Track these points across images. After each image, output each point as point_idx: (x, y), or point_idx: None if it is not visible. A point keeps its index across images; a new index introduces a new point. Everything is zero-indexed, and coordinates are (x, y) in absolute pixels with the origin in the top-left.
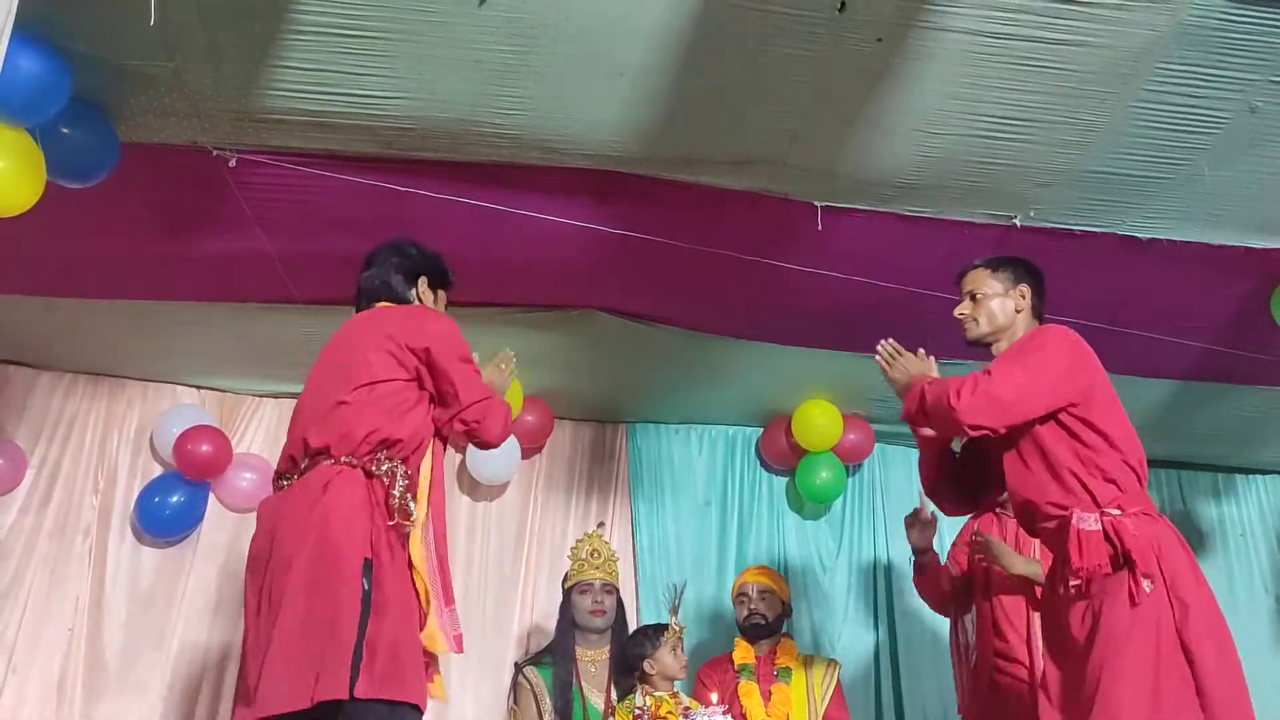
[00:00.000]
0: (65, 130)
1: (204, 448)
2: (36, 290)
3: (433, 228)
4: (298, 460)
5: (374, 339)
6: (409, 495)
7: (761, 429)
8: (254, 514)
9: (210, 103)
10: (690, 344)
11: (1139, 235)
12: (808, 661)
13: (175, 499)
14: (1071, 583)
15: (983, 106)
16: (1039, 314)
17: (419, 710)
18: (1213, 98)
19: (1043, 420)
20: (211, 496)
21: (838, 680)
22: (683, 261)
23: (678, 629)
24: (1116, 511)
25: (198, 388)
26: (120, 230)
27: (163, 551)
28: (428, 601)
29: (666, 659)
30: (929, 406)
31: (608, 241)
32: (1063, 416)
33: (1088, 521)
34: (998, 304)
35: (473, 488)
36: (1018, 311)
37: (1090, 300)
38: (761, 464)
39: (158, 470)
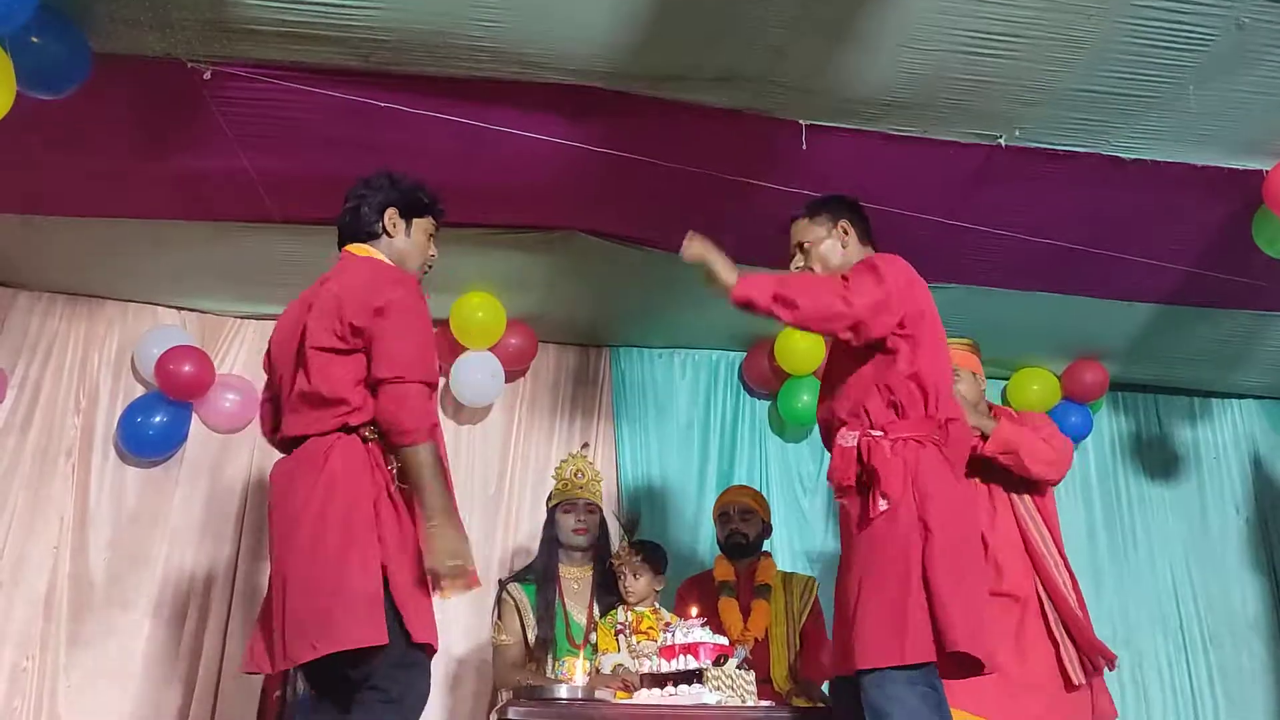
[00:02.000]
0: (35, 40)
1: (186, 368)
2: (10, 207)
3: (413, 147)
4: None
5: (328, 309)
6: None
7: (744, 353)
8: (238, 435)
9: (179, 11)
10: (673, 266)
11: (1123, 155)
12: (787, 579)
13: (158, 419)
14: (836, 496)
15: (969, 21)
16: (868, 239)
17: (431, 651)
18: (1200, 14)
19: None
20: (195, 417)
21: (815, 596)
22: (665, 181)
23: (624, 555)
24: (879, 433)
25: (178, 309)
26: (96, 146)
27: (147, 472)
28: None
29: (629, 585)
30: (810, 311)
31: (589, 160)
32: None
33: (848, 439)
34: (826, 247)
35: (456, 410)
36: (844, 247)
37: (1074, 222)
38: (744, 388)
39: (139, 391)
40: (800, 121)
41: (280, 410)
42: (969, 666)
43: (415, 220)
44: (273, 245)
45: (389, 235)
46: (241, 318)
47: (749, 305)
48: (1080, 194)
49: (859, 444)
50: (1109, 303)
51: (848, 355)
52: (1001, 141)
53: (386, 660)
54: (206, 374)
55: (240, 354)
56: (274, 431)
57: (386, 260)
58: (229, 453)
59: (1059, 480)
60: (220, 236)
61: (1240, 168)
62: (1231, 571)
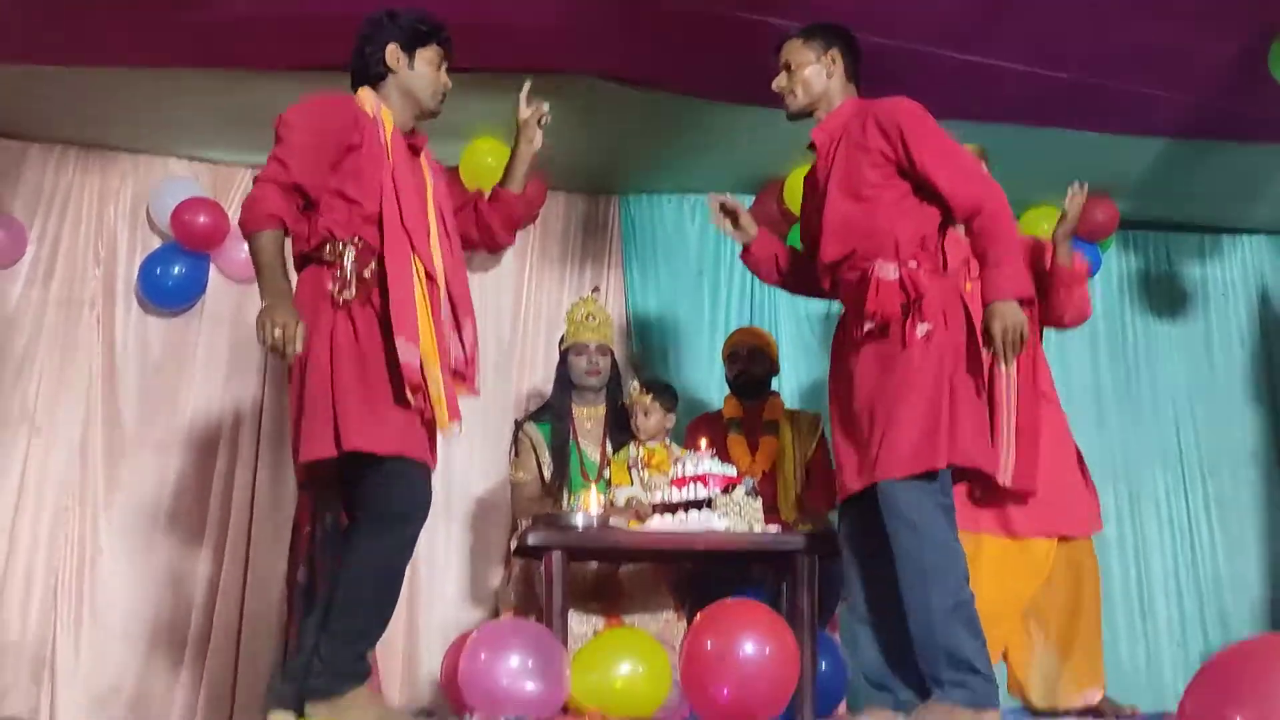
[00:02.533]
0: None
1: (201, 219)
2: (17, 57)
3: None
4: None
5: None
6: (360, 267)
7: (753, 196)
8: (255, 284)
9: None
10: (682, 109)
11: None
12: (794, 416)
13: (176, 270)
14: (866, 327)
15: None
16: (853, 76)
17: (413, 462)
18: None
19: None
20: (212, 268)
21: (821, 432)
22: (674, 22)
23: (636, 394)
24: (914, 264)
25: (190, 159)
26: None
27: (169, 321)
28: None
29: (640, 423)
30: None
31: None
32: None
33: (888, 271)
34: (811, 71)
35: (468, 259)
36: (829, 77)
37: (1086, 55)
38: None
39: (156, 242)
40: None
41: None
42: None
43: (419, 51)
44: (284, 93)
45: (393, 72)
46: (253, 167)
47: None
48: (1089, 24)
49: (901, 275)
50: (1121, 138)
51: (869, 194)
52: None
53: (368, 474)
54: (222, 225)
55: None
56: None
57: (390, 100)
58: (248, 302)
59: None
60: (231, 85)
61: None
62: (1233, 405)
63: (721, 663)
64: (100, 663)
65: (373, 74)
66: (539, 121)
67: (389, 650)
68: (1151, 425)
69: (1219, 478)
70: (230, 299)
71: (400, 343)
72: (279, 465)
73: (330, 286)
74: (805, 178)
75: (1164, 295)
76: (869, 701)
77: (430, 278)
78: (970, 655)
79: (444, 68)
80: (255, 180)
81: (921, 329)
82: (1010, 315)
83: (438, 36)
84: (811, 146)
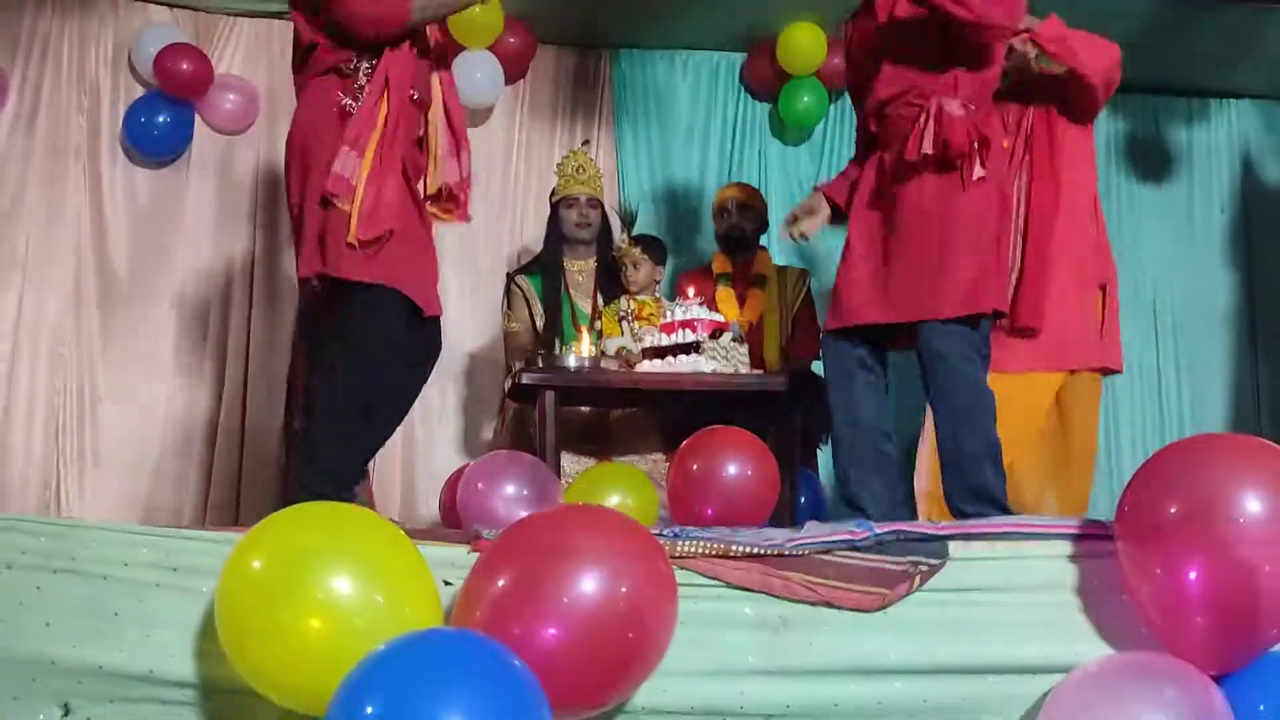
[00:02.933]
0: None
1: (184, 65)
2: None
3: None
4: None
5: None
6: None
7: (745, 54)
8: (243, 135)
9: None
10: None
11: None
12: (781, 271)
13: (161, 119)
14: (925, 150)
15: None
16: None
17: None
18: None
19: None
20: (198, 118)
21: (808, 287)
22: None
23: (625, 247)
24: (974, 108)
25: (170, 5)
26: None
27: (156, 172)
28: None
29: (630, 275)
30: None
31: None
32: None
33: (954, 106)
34: None
35: None
36: None
37: None
38: (745, 90)
39: (140, 91)
40: None
41: None
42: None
43: None
44: None
45: None
46: (235, 14)
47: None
48: None
49: (968, 114)
50: None
51: (924, 35)
52: None
53: (344, 298)
54: (205, 72)
55: (238, 53)
56: None
57: None
58: (235, 152)
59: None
60: None
61: None
62: (1212, 267)
63: (707, 483)
64: (105, 499)
65: None
66: None
67: (388, 496)
68: (1130, 284)
69: (1190, 337)
70: (216, 150)
71: (343, 151)
72: (273, 317)
73: (344, 101)
74: (854, 24)
75: (1150, 159)
76: None
77: (421, 105)
78: (995, 491)
79: None
80: None
81: (979, 172)
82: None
83: None
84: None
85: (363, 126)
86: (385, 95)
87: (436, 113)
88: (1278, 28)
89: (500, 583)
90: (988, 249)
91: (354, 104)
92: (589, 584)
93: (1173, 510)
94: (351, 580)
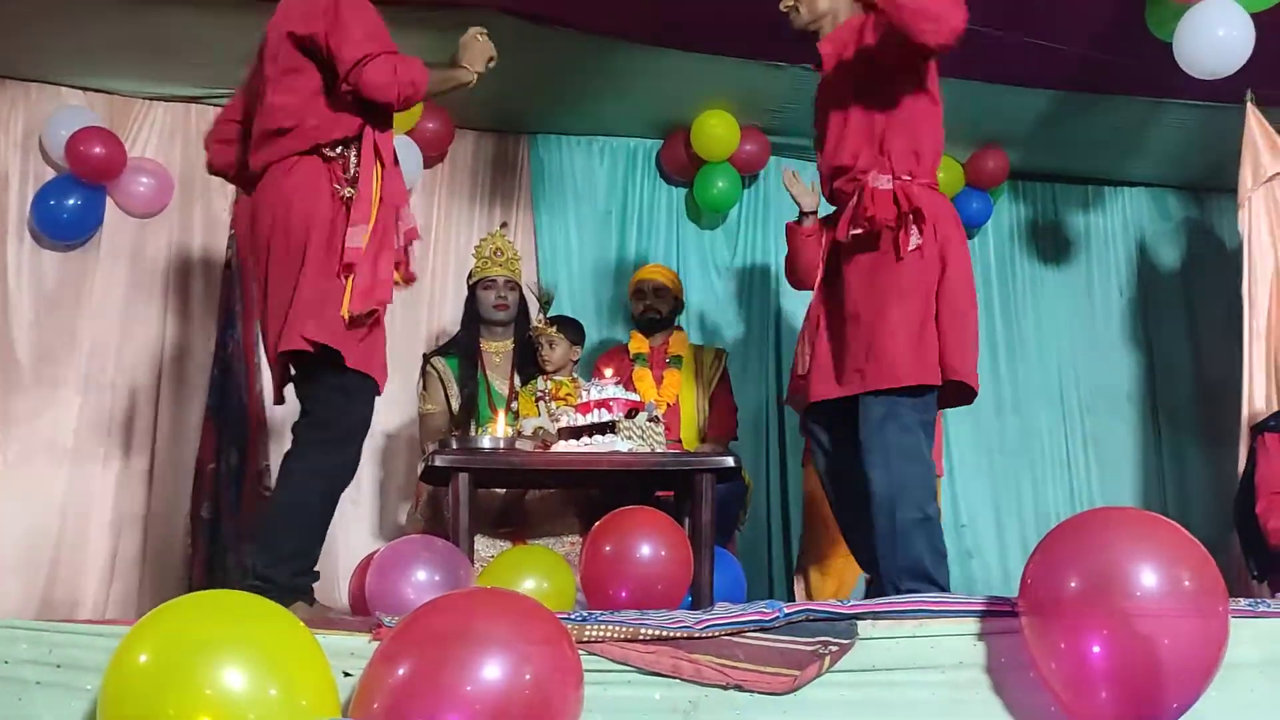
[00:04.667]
0: None
1: (97, 149)
2: None
3: None
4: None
5: (277, 30)
6: (355, 174)
7: (661, 141)
8: (154, 219)
9: None
10: (592, 49)
11: None
12: (698, 350)
13: (72, 202)
14: (853, 230)
15: None
16: None
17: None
18: None
19: (909, 80)
20: (109, 201)
21: (725, 366)
22: None
23: (541, 325)
24: (908, 177)
25: (84, 89)
26: None
27: (64, 255)
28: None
29: (546, 354)
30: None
31: None
32: (912, 80)
33: (882, 181)
34: None
35: None
36: None
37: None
38: (661, 175)
39: (50, 174)
40: None
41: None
42: (957, 398)
43: None
44: (182, 21)
45: None
46: (151, 99)
47: None
48: None
49: (894, 187)
50: (1011, 89)
51: (873, 96)
52: None
53: (325, 382)
54: (118, 156)
55: (152, 137)
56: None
57: None
58: (147, 236)
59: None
60: (126, 10)
61: None
62: (1112, 348)
63: (619, 564)
64: None
65: None
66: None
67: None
68: (1037, 365)
69: (1097, 416)
70: (128, 233)
71: (356, 227)
72: (181, 401)
73: (335, 185)
74: (816, 94)
75: (1050, 242)
76: None
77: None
78: (930, 568)
79: None
80: (369, 55)
81: (913, 240)
82: None
83: None
84: (818, 66)
85: (365, 203)
86: (378, 172)
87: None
88: (1167, 119)
89: (400, 672)
90: (924, 317)
91: (350, 190)
92: (492, 671)
93: (1073, 585)
94: (244, 673)
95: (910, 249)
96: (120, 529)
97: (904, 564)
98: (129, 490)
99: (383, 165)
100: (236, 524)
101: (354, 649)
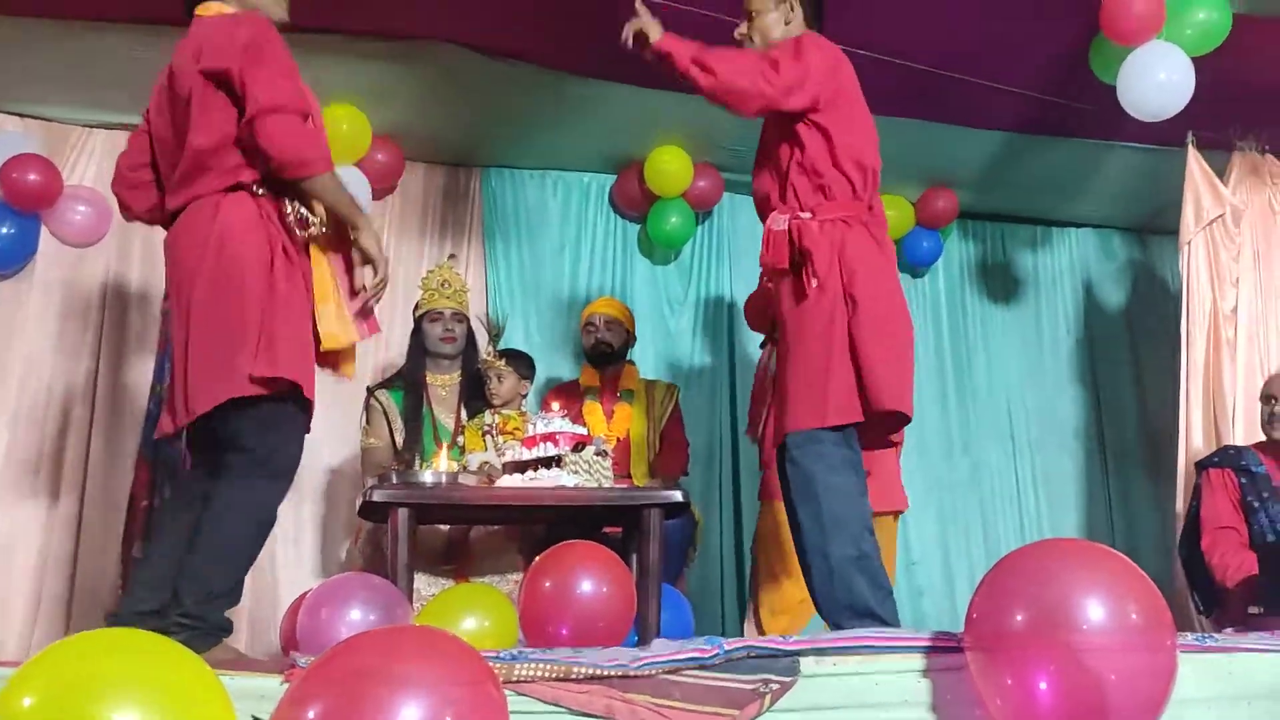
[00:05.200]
0: None
1: (31, 177)
2: None
3: None
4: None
5: (188, 67)
6: (302, 206)
7: (615, 176)
8: (90, 249)
9: None
10: (543, 83)
11: None
12: (649, 385)
13: (4, 230)
14: (765, 279)
15: None
16: (813, 25)
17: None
18: None
19: (794, 118)
20: (44, 230)
21: (677, 401)
22: None
23: (490, 358)
24: (807, 215)
25: (20, 115)
26: None
27: None
28: (330, 298)
29: (494, 387)
30: (724, 83)
31: None
32: (802, 121)
33: (779, 223)
34: (770, 19)
35: None
36: (786, 23)
37: (929, 47)
38: (614, 209)
39: None
40: None
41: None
42: (891, 428)
43: None
44: (122, 47)
45: None
46: (89, 126)
47: (669, 60)
48: (933, 18)
49: (789, 227)
50: (961, 130)
51: (777, 136)
52: None
53: (255, 418)
54: (54, 184)
55: (90, 165)
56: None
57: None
58: (83, 265)
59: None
60: (64, 36)
61: None
62: (1060, 386)
63: (559, 601)
64: None
65: None
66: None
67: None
68: (987, 403)
69: (1046, 452)
70: (63, 262)
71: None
72: (113, 436)
73: (275, 219)
74: None
75: (999, 282)
76: None
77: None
78: (874, 605)
79: None
80: (283, 110)
81: (813, 281)
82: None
83: None
84: None
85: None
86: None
87: None
88: (1112, 161)
89: (310, 714)
90: (827, 356)
91: (302, 228)
92: (410, 713)
93: (1018, 618)
94: (137, 716)
95: (810, 290)
96: (46, 569)
97: (845, 602)
98: (57, 528)
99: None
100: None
101: (264, 691)
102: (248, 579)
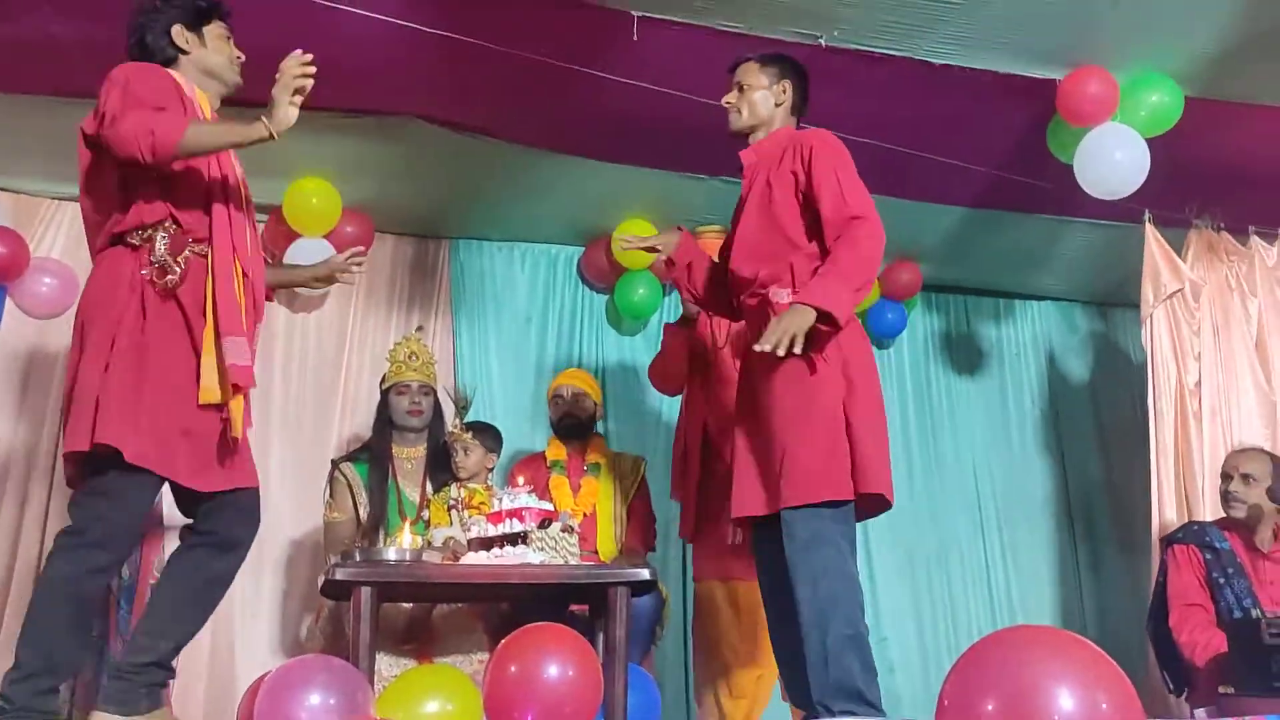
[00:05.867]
0: None
1: None
2: None
3: (238, 21)
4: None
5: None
6: (170, 255)
7: (582, 248)
8: (55, 320)
9: None
10: (511, 158)
11: (933, 60)
12: (616, 458)
13: None
14: (761, 346)
15: None
16: (799, 111)
17: (122, 464)
18: None
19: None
20: (9, 301)
21: (643, 476)
22: (501, 69)
23: (457, 431)
24: None
25: None
26: None
27: None
28: (209, 350)
29: (460, 460)
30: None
31: (426, 43)
32: (810, 204)
33: (782, 296)
34: (760, 96)
35: (290, 299)
36: (777, 105)
37: (891, 125)
38: (582, 282)
39: None
40: (632, 12)
41: None
42: (874, 509)
43: (205, 28)
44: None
45: (186, 52)
46: (59, 199)
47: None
48: (895, 97)
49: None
50: (923, 205)
51: (786, 224)
52: (822, 41)
53: (84, 486)
54: (20, 255)
55: (59, 237)
56: None
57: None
58: (46, 338)
59: None
60: (33, 111)
61: (1038, 76)
62: (1027, 458)
63: (525, 686)
64: None
65: (164, 58)
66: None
67: (189, 700)
68: (954, 474)
69: (1014, 525)
70: (26, 333)
71: (230, 342)
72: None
73: (141, 270)
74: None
75: (963, 353)
76: None
77: (246, 275)
78: (862, 687)
79: (231, 40)
80: (116, 117)
81: (825, 358)
82: (798, 319)
83: (219, 10)
84: (739, 172)
85: (232, 310)
86: (238, 271)
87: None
88: (1072, 236)
89: None
90: (836, 430)
91: (160, 278)
92: None
93: (990, 707)
94: None
95: (819, 362)
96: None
97: (835, 682)
98: (12, 604)
99: (238, 261)
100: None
101: None
102: (205, 653)
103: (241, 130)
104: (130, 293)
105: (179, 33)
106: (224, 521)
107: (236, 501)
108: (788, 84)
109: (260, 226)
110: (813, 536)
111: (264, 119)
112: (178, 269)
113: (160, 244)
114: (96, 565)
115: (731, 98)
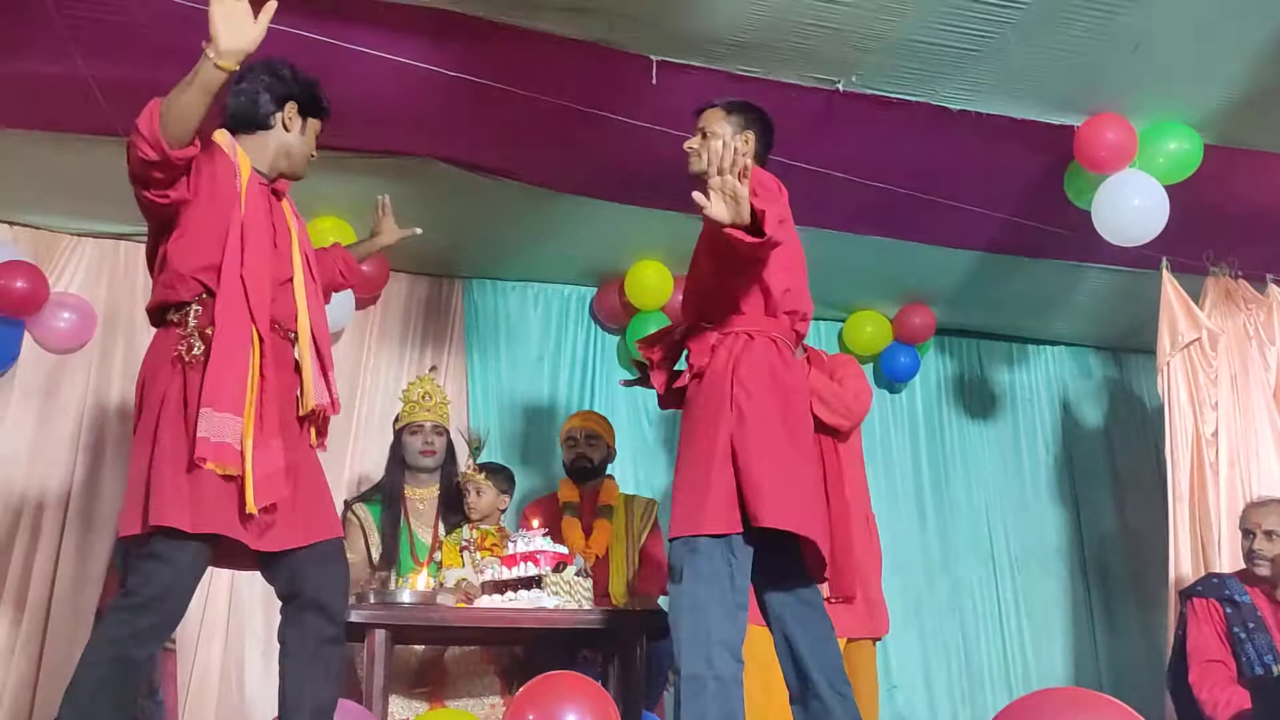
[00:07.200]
0: None
1: (18, 284)
2: None
3: (256, 57)
4: None
5: None
6: (199, 328)
7: (595, 288)
8: (74, 356)
9: None
10: (527, 199)
11: (950, 106)
12: (628, 500)
13: None
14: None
15: None
16: (760, 161)
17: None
18: None
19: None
20: (27, 336)
21: (655, 518)
22: (520, 111)
23: (469, 472)
24: (709, 325)
25: (9, 223)
26: None
27: None
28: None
29: (473, 501)
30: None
31: (445, 86)
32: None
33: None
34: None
35: None
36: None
37: (906, 170)
38: (595, 322)
39: None
40: (651, 57)
41: None
42: (816, 556)
43: (310, 120)
44: (115, 160)
45: (285, 129)
46: (79, 235)
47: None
48: (911, 142)
49: (703, 338)
50: (937, 249)
51: (709, 261)
52: (839, 87)
53: (134, 550)
54: (40, 291)
55: (78, 272)
56: None
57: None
58: (64, 374)
59: (850, 428)
60: (58, 149)
61: (1055, 122)
62: (1041, 504)
63: None
64: None
65: (254, 122)
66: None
67: None
68: (967, 520)
69: (1028, 572)
70: (44, 369)
71: (206, 415)
72: (85, 547)
73: (177, 348)
74: None
75: (976, 398)
76: None
77: (276, 332)
78: None
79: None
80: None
81: (697, 390)
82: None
83: (327, 112)
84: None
85: (223, 381)
86: (255, 342)
87: (304, 334)
88: (1087, 282)
89: None
90: (705, 468)
91: (188, 353)
92: None
93: None
94: None
95: (696, 397)
96: (9, 671)
97: None
98: (22, 646)
99: (256, 327)
100: None
101: None
102: (214, 691)
103: (193, 74)
104: (172, 370)
105: (291, 110)
106: (309, 582)
107: (314, 555)
108: (750, 135)
109: None
110: (680, 570)
111: (205, 50)
112: (204, 343)
113: (193, 318)
114: (143, 628)
115: (693, 142)
